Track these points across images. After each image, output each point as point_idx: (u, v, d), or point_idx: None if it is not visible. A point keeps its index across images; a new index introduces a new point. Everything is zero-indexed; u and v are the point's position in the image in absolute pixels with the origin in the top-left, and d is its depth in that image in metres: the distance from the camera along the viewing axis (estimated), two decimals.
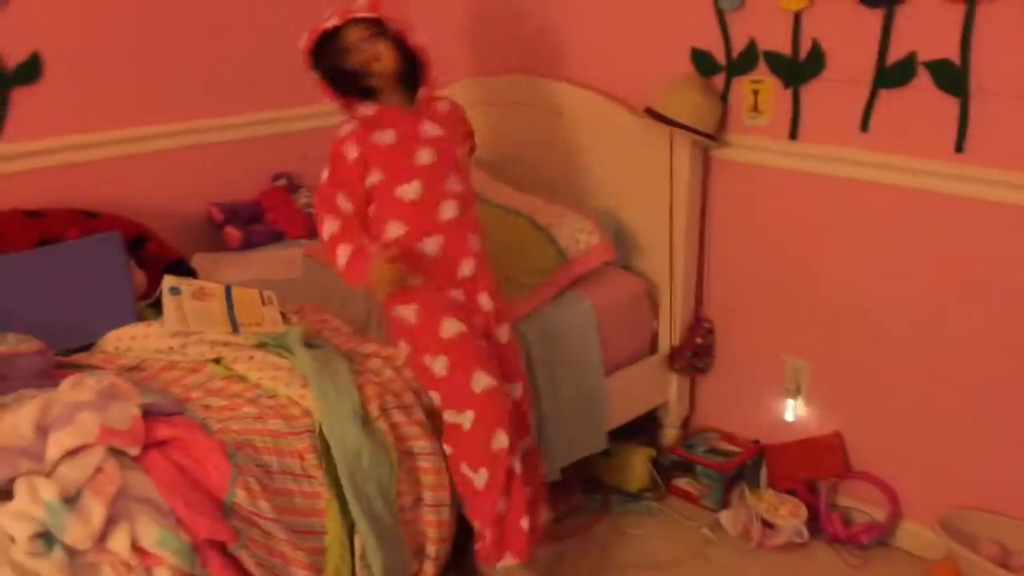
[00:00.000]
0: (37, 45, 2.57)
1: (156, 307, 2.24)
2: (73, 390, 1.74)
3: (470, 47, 3.23)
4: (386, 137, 2.15)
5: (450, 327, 2.11)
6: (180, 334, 2.05)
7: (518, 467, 2.10)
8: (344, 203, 2.13)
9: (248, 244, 2.93)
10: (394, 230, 2.14)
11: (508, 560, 2.14)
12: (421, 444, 2.07)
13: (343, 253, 2.07)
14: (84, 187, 2.69)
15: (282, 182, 3.14)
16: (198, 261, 2.72)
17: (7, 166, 2.55)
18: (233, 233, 2.92)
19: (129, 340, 2.08)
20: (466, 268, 2.19)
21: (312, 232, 3.04)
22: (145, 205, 2.82)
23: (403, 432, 2.04)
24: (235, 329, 2.08)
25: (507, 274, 2.55)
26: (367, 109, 2.17)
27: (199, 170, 2.97)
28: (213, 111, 2.97)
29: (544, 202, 2.82)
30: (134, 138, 2.81)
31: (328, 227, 2.11)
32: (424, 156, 2.15)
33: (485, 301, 2.22)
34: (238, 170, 3.07)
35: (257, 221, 3.03)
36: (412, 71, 2.17)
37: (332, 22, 2.12)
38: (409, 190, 2.13)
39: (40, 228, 2.34)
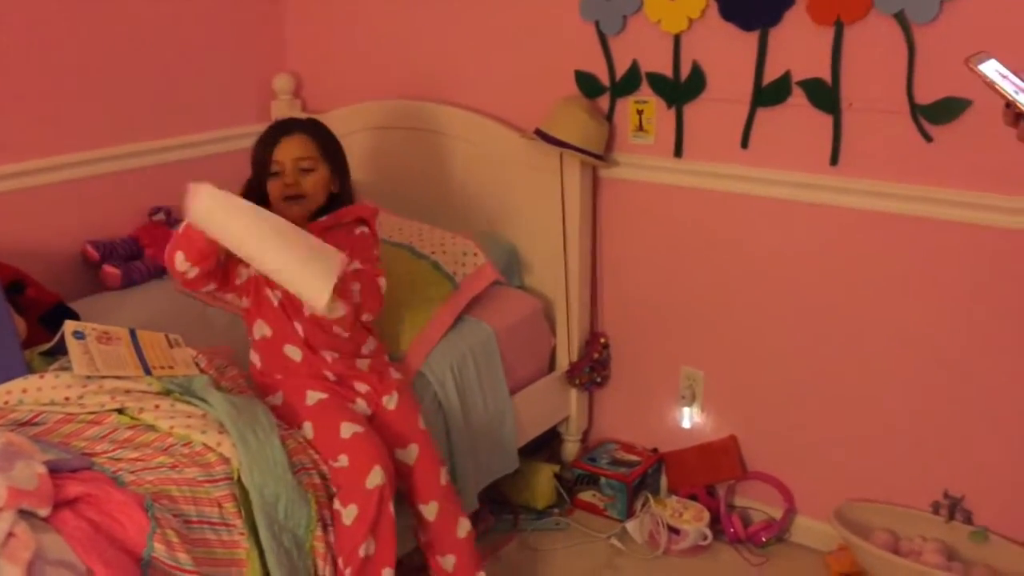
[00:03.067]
0: None
1: (46, 356, 2.12)
2: None
3: (358, 72, 3.21)
4: None
5: (313, 397, 2.14)
6: (84, 381, 1.94)
7: (390, 510, 2.04)
8: None
9: (129, 282, 2.81)
10: (260, 329, 2.21)
11: None
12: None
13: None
14: None
15: (160, 216, 3.02)
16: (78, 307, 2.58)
17: None
18: (112, 272, 2.79)
19: (20, 393, 1.95)
20: (329, 375, 2.22)
21: None
22: (14, 246, 2.65)
23: (320, 498, 1.99)
24: (147, 372, 1.99)
25: (398, 311, 2.53)
26: None
27: (71, 207, 2.82)
28: (84, 144, 2.83)
29: (425, 227, 2.82)
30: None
31: None
32: None
33: (360, 387, 2.23)
34: (113, 205, 2.94)
35: (136, 258, 2.90)
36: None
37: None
38: (272, 296, 2.18)
39: None
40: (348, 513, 1.99)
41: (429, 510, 2.21)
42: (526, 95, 2.84)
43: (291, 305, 2.16)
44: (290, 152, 2.17)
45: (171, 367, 2.03)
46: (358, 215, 2.27)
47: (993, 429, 2.36)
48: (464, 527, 2.26)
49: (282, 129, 2.22)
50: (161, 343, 2.10)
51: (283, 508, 1.89)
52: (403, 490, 2.21)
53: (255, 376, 2.24)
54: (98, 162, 2.88)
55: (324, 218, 2.20)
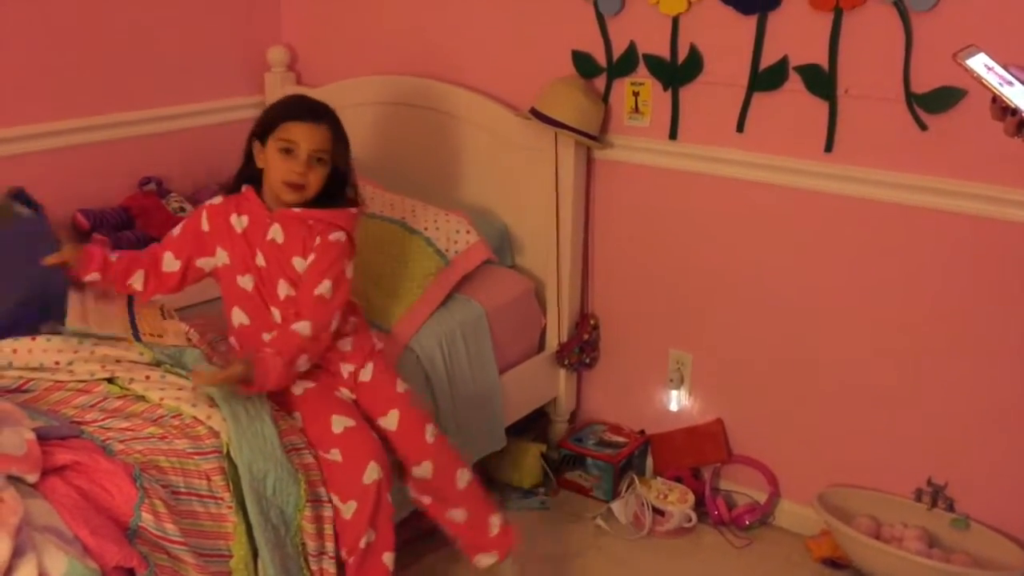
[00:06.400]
0: None
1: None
2: None
3: (353, 47, 3.19)
4: (240, 223, 2.15)
5: (300, 386, 2.11)
6: (75, 347, 1.94)
7: (388, 500, 2.05)
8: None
9: None
10: (237, 316, 2.16)
11: None
12: (327, 491, 2.02)
13: None
14: None
15: (151, 186, 3.00)
16: None
17: None
18: (102, 241, 2.77)
19: (10, 354, 1.94)
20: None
21: None
22: None
23: (312, 477, 2.00)
24: (137, 338, 1.99)
25: (389, 285, 2.53)
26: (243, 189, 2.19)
27: (62, 174, 2.79)
28: (76, 112, 2.81)
29: (418, 204, 2.81)
30: None
31: None
32: (260, 258, 2.14)
33: (345, 368, 2.18)
34: (104, 174, 2.91)
35: (127, 228, 2.88)
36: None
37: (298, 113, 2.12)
38: (245, 283, 2.15)
39: None
40: (347, 509, 2.00)
41: (423, 470, 2.17)
42: (523, 74, 2.82)
43: (266, 290, 2.14)
44: (312, 141, 2.07)
45: (160, 336, 2.03)
46: (338, 220, 2.16)
47: (977, 418, 2.38)
48: (464, 477, 2.22)
49: (312, 114, 2.11)
50: (155, 313, 2.11)
51: (271, 484, 1.90)
52: (393, 459, 2.19)
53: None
54: (90, 130, 2.85)
55: (318, 211, 2.12)
